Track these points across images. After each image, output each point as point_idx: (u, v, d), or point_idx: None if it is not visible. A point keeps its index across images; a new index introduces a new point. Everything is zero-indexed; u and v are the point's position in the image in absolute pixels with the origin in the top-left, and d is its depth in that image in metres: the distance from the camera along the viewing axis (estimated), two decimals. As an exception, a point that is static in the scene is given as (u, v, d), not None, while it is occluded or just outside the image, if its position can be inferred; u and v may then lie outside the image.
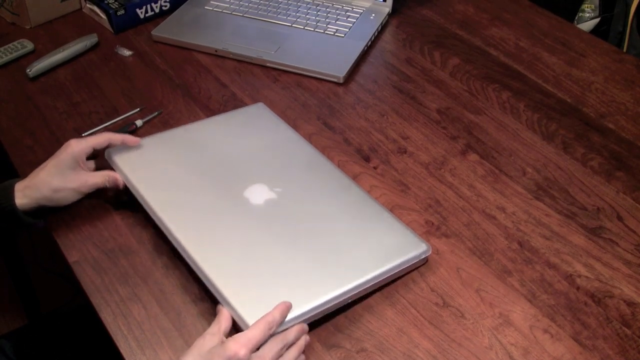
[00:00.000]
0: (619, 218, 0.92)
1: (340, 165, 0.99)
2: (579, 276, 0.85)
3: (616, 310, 0.81)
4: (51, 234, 0.90)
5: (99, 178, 0.87)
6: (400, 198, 0.95)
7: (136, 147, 0.91)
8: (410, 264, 0.83)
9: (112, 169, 0.90)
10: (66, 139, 1.03)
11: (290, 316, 0.73)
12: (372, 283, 0.79)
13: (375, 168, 0.99)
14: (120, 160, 0.90)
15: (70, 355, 1.02)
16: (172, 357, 0.77)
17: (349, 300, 0.78)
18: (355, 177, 0.97)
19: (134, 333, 0.79)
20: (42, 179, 0.85)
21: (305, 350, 0.76)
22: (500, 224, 0.91)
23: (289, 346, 0.73)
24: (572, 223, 0.91)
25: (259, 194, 0.87)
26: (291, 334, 0.73)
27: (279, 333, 0.73)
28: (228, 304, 0.74)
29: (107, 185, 0.88)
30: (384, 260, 0.81)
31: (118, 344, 0.78)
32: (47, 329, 1.04)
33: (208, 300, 0.82)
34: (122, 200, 0.91)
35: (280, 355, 0.72)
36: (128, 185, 0.88)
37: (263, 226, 0.83)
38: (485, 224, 0.91)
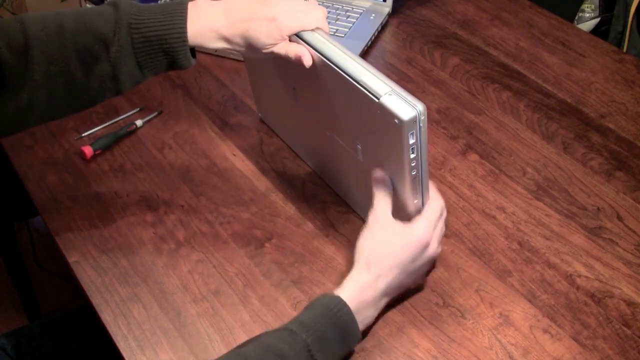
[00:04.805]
0: (619, 218, 0.92)
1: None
2: (579, 276, 0.85)
3: (616, 310, 0.81)
4: (51, 234, 0.90)
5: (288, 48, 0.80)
6: (400, 198, 0.94)
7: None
8: None
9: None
10: (66, 139, 1.04)
11: None
12: None
13: (375, 168, 0.99)
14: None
15: (70, 355, 1.02)
16: (172, 357, 0.77)
17: None
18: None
19: (134, 333, 0.79)
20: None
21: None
22: (500, 224, 0.91)
23: None
24: (572, 223, 0.91)
25: None
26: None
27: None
28: None
29: (291, 57, 0.79)
30: None
31: (118, 344, 0.78)
32: (47, 329, 1.05)
33: (208, 300, 0.82)
34: None
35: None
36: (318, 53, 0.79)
37: None
38: (485, 224, 0.91)
